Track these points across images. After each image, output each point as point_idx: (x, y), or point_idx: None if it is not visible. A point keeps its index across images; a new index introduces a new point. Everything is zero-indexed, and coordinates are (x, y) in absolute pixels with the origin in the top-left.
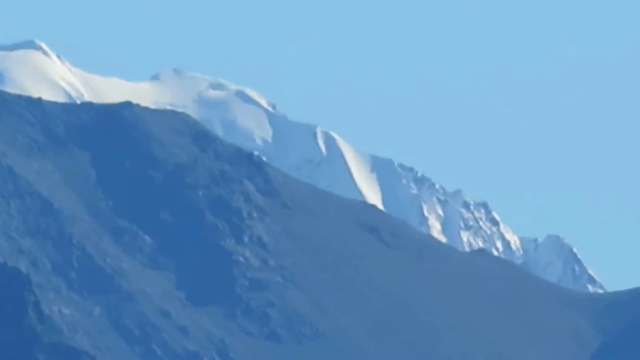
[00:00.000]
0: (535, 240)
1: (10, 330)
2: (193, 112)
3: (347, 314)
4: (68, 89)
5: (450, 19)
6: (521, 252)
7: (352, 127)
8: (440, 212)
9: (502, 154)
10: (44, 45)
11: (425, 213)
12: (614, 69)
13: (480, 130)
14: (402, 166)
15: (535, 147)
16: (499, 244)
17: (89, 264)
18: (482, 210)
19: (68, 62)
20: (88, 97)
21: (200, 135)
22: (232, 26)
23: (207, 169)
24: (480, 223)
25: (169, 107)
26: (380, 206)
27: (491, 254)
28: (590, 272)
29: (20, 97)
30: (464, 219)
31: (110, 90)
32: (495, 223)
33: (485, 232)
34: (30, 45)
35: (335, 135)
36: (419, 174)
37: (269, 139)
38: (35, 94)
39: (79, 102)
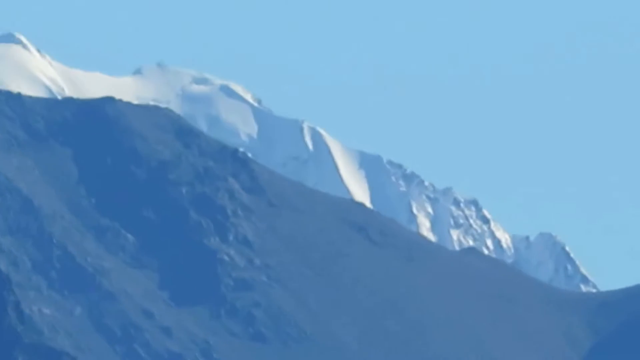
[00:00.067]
0: (527, 238)
1: None
2: (176, 107)
3: (334, 314)
4: (49, 83)
5: (437, 14)
6: (512, 250)
7: (339, 123)
8: (429, 209)
9: (493, 150)
10: (23, 39)
11: (415, 211)
12: (603, 66)
13: (470, 126)
14: (390, 163)
15: (527, 143)
16: (489, 243)
17: (70, 263)
18: (473, 208)
19: (49, 56)
20: (69, 92)
21: (183, 131)
22: (217, 19)
23: (191, 165)
24: (471, 221)
25: (152, 103)
26: (368, 204)
27: (482, 253)
28: (583, 271)
29: None
30: (453, 217)
31: (91, 85)
32: (485, 221)
33: (476, 230)
34: (9, 39)
35: (322, 131)
36: (408, 171)
37: (255, 135)
38: (14, 88)
39: (59, 97)
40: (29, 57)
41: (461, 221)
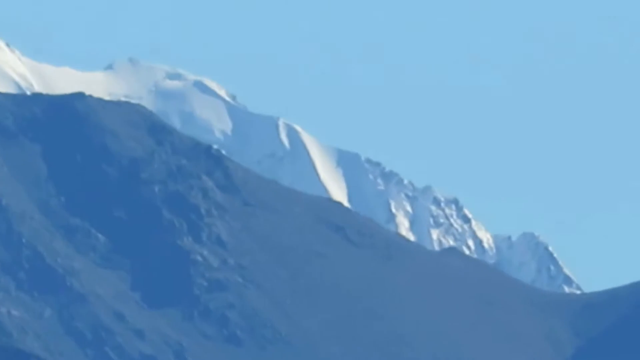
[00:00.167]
0: (509, 238)
1: None
2: (149, 103)
3: (310, 316)
4: (17, 79)
5: (414, 10)
6: (494, 250)
7: (316, 120)
8: (408, 208)
9: (474, 148)
10: None
11: (393, 210)
12: (584, 64)
13: (450, 123)
14: (369, 161)
15: (508, 141)
16: (470, 243)
17: (39, 263)
18: (453, 207)
19: (18, 51)
20: (38, 88)
21: (156, 128)
22: (190, 13)
23: (164, 163)
24: (451, 220)
25: (123, 99)
26: (345, 203)
27: (462, 253)
28: (567, 272)
29: None
30: (433, 216)
31: (61, 80)
32: (466, 220)
33: (456, 229)
34: None
35: (298, 128)
36: (387, 169)
37: (229, 132)
38: None
39: (28, 92)
40: None
41: (441, 220)
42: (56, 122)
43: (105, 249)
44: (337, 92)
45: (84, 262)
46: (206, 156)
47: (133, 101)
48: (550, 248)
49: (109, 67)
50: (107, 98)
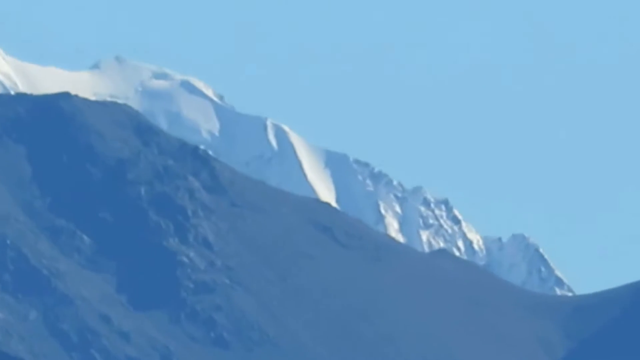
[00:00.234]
0: (499, 239)
1: None
2: (135, 103)
3: (298, 318)
4: (1, 78)
5: (402, 10)
6: (484, 252)
7: (304, 120)
8: (398, 210)
9: (464, 148)
10: None
11: (382, 211)
12: (578, 68)
13: (440, 124)
14: (357, 161)
15: (499, 141)
16: (460, 244)
17: (24, 265)
18: (443, 208)
19: (2, 50)
20: (23, 88)
21: (142, 128)
22: (177, 12)
23: (150, 164)
24: (441, 221)
25: (109, 98)
26: (334, 204)
27: (452, 255)
28: (558, 273)
29: None
30: (423, 218)
31: (47, 80)
32: (456, 222)
33: (446, 231)
34: None
35: (286, 128)
36: (376, 170)
37: (216, 133)
38: None
39: (13, 92)
40: None
41: (431, 222)
42: (41, 122)
43: (90, 251)
44: (325, 92)
45: (69, 264)
46: (193, 157)
47: (119, 101)
48: (541, 250)
49: (95, 66)
50: (92, 98)
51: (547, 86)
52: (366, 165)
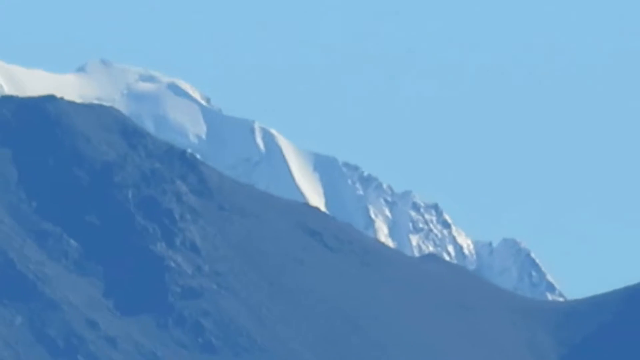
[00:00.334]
0: (490, 244)
1: None
2: (122, 106)
3: (286, 324)
4: None
5: (394, 11)
6: (474, 257)
7: (292, 123)
8: (387, 214)
9: (455, 152)
10: None
11: (372, 215)
12: (569, 71)
13: (430, 127)
14: (347, 165)
15: (489, 145)
16: (450, 249)
17: (9, 269)
18: (433, 212)
19: None
20: (8, 90)
21: (129, 131)
22: (164, 14)
23: (137, 167)
24: (431, 226)
25: (96, 101)
26: (323, 208)
27: (442, 259)
28: (549, 278)
29: None
30: (413, 222)
31: (32, 82)
32: (446, 226)
33: (436, 235)
34: None
35: (274, 131)
36: (365, 174)
37: (204, 136)
38: None
39: None
40: None
41: (421, 226)
42: (27, 125)
43: (77, 255)
44: (313, 95)
45: (55, 269)
46: (180, 160)
47: (106, 104)
48: (532, 254)
49: (81, 69)
50: (79, 101)
51: (538, 91)
52: (356, 168)
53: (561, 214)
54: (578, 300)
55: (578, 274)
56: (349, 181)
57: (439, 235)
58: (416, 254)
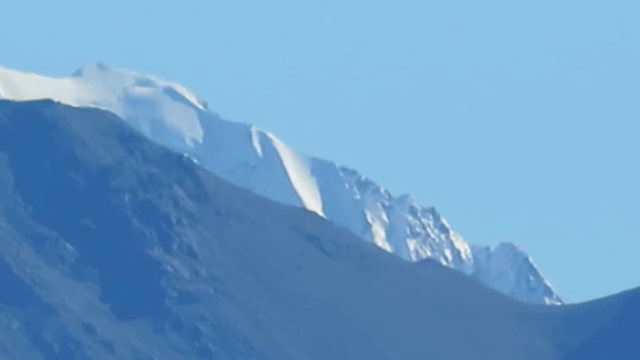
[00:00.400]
0: (487, 248)
1: None
2: (118, 110)
3: (284, 328)
4: None
5: (392, 15)
6: (472, 261)
7: (290, 127)
8: (385, 218)
9: (452, 156)
10: None
11: (369, 220)
12: (568, 74)
13: (427, 131)
14: (344, 169)
15: (487, 149)
16: (448, 253)
17: (6, 274)
18: (430, 217)
19: None
20: (5, 95)
21: (126, 136)
22: (160, 18)
23: (134, 171)
24: (428, 230)
25: (92, 105)
26: (320, 212)
27: (440, 264)
28: (547, 283)
29: None
30: (410, 226)
31: (29, 86)
32: (444, 230)
33: (434, 240)
34: None
35: (271, 135)
36: (363, 178)
37: (200, 140)
38: None
39: None
40: None
41: (418, 230)
42: (23, 129)
43: (73, 259)
44: (311, 99)
45: (52, 273)
46: (177, 165)
47: (102, 108)
48: (530, 259)
49: (78, 73)
50: (75, 105)
51: (537, 96)
52: (353, 173)
53: (559, 218)
54: (576, 305)
55: (576, 278)
56: (346, 185)
57: (437, 239)
58: (413, 258)
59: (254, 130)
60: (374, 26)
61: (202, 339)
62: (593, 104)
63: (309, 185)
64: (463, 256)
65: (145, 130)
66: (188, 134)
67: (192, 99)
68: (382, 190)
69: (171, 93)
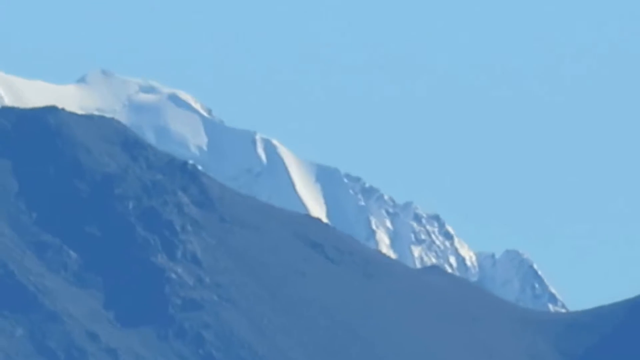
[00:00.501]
0: (492, 255)
1: None
2: (123, 117)
3: (288, 335)
4: None
5: (397, 21)
6: (477, 268)
7: (294, 134)
8: (389, 225)
9: (456, 163)
10: None
11: (374, 226)
12: (569, 78)
13: (432, 138)
14: (348, 176)
15: (491, 156)
16: (452, 260)
17: (10, 281)
18: (435, 224)
19: None
20: (9, 101)
21: (130, 143)
22: (164, 25)
23: (138, 178)
24: (433, 237)
25: (96, 112)
26: (324, 219)
27: (444, 271)
28: (552, 290)
29: None
30: (415, 233)
31: (33, 93)
32: (448, 237)
33: (438, 247)
34: None
35: (276, 142)
36: (367, 185)
37: (205, 147)
38: None
39: None
40: None
41: (423, 237)
42: (27, 136)
43: (77, 267)
44: (315, 106)
45: (56, 280)
46: (181, 172)
47: (106, 115)
48: (535, 266)
49: (82, 80)
50: (79, 112)
51: (540, 101)
52: (357, 180)
53: (564, 225)
54: (580, 312)
55: (580, 285)
56: (351, 192)
57: (441, 246)
58: (418, 265)
59: (258, 137)
60: (379, 33)
61: (206, 346)
62: (601, 112)
63: (313, 192)
64: (468, 263)
65: (150, 137)
66: (192, 140)
67: (197, 106)
68: (386, 197)
69: (175, 100)
